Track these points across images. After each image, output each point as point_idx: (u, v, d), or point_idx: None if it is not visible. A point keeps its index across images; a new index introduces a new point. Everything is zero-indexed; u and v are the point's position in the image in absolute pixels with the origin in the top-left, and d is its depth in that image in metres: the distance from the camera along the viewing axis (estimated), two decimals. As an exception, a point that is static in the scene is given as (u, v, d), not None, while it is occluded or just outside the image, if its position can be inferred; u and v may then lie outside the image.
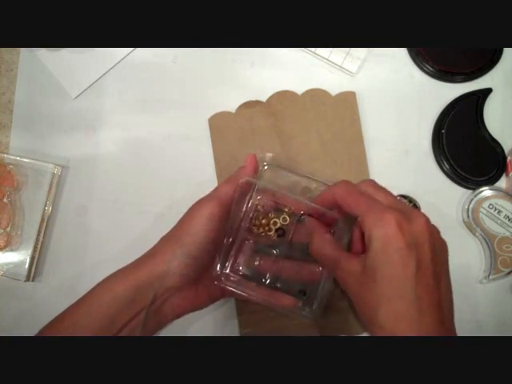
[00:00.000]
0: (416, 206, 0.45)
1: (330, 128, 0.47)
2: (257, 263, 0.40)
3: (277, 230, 0.40)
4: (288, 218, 0.40)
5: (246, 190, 0.39)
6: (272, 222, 0.40)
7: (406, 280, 0.31)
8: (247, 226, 0.40)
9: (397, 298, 0.31)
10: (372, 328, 0.32)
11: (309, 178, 0.41)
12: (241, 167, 0.40)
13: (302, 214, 0.40)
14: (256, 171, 0.40)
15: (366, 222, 0.32)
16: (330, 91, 0.47)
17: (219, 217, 0.37)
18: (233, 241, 0.39)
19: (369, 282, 0.32)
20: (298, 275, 0.40)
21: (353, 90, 0.47)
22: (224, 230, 0.38)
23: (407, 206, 0.35)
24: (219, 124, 0.48)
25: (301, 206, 0.40)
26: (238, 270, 0.40)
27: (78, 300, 0.37)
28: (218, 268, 0.38)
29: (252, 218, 0.40)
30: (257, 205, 0.40)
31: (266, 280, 0.40)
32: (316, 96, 0.47)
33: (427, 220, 0.33)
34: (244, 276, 0.40)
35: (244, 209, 0.39)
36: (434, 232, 0.34)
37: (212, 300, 0.41)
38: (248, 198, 0.39)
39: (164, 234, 0.39)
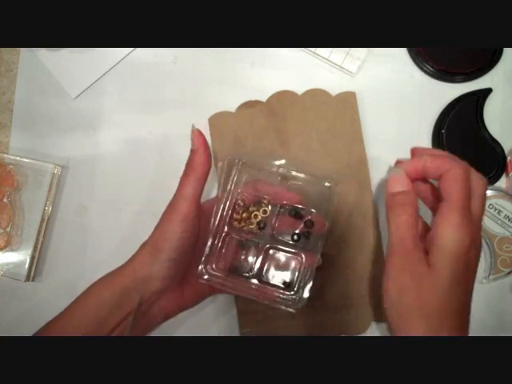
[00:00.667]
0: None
1: (330, 128, 0.47)
2: (243, 257, 0.40)
3: (258, 223, 0.40)
4: (268, 211, 0.40)
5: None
6: (253, 215, 0.40)
7: (465, 294, 0.33)
8: (228, 221, 0.40)
9: (453, 308, 0.31)
10: (409, 319, 0.31)
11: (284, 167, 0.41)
12: (193, 151, 0.39)
13: (281, 206, 0.40)
14: (207, 148, 0.39)
15: (450, 216, 0.32)
16: (330, 91, 0.47)
17: (192, 216, 0.37)
18: (214, 238, 0.39)
19: (433, 277, 0.31)
20: (283, 265, 0.40)
21: (353, 90, 0.47)
22: (200, 226, 0.38)
23: (480, 224, 0.35)
24: (219, 124, 0.47)
25: (283, 195, 0.40)
26: (222, 266, 0.40)
27: (66, 308, 0.37)
28: (200, 267, 0.38)
29: (232, 212, 0.40)
30: (237, 199, 0.40)
31: (252, 274, 0.40)
32: (316, 96, 0.47)
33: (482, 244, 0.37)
34: (229, 271, 0.40)
35: (223, 205, 0.40)
36: None
37: (201, 298, 0.41)
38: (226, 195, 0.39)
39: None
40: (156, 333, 0.45)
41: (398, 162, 0.37)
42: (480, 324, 0.45)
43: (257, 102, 0.48)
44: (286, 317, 0.44)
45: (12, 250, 0.47)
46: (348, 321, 0.45)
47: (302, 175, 0.40)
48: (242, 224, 0.40)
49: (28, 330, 0.47)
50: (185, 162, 0.48)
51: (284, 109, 0.47)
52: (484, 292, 0.46)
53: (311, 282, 0.38)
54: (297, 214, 0.40)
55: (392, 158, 0.47)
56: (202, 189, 0.38)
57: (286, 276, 0.40)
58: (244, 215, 0.40)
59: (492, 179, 0.46)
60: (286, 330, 0.45)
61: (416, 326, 0.31)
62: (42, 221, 0.47)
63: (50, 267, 0.48)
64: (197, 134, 0.38)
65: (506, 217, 0.45)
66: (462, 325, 0.32)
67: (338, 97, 0.47)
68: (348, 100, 0.47)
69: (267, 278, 0.40)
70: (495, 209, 0.45)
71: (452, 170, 0.33)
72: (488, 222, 0.45)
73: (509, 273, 0.45)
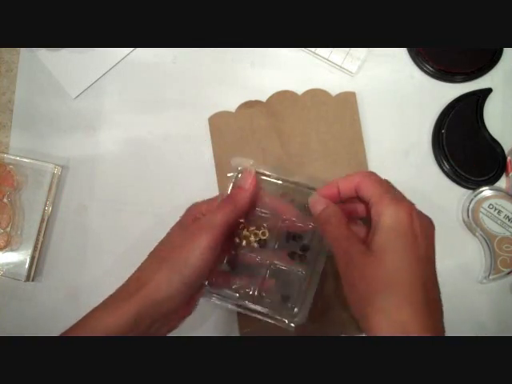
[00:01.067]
0: None
1: (330, 128, 0.47)
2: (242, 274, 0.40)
3: (259, 241, 0.40)
4: (267, 233, 0.40)
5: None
6: (253, 234, 0.40)
7: (417, 266, 0.31)
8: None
9: (404, 282, 0.30)
10: (369, 311, 0.31)
11: (286, 181, 0.41)
12: (239, 188, 0.38)
13: (280, 228, 0.40)
14: (254, 195, 0.39)
15: (382, 200, 0.33)
16: (330, 91, 0.47)
17: (217, 246, 0.36)
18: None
19: (375, 263, 0.31)
20: (283, 281, 0.40)
21: (353, 90, 0.47)
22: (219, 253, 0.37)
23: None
24: (219, 124, 0.48)
25: (282, 208, 0.40)
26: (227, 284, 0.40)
27: (70, 328, 0.35)
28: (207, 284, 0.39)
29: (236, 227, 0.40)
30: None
31: (252, 291, 0.40)
32: (316, 96, 0.47)
33: (433, 222, 0.34)
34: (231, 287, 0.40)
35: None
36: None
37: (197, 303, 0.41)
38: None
39: (163, 234, 0.39)
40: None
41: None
42: (480, 324, 0.45)
43: (257, 102, 0.48)
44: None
45: (12, 250, 0.47)
46: (348, 320, 0.45)
47: (305, 189, 0.40)
48: (244, 241, 0.40)
49: (28, 330, 0.47)
50: (185, 161, 0.48)
51: (284, 109, 0.47)
52: (484, 292, 0.46)
53: (311, 299, 0.38)
54: (294, 238, 0.40)
55: (392, 157, 0.47)
56: (234, 224, 0.38)
57: (285, 291, 0.40)
58: (245, 233, 0.40)
59: (492, 179, 0.46)
60: (286, 331, 0.45)
61: (372, 318, 0.30)
62: (42, 221, 0.47)
63: (50, 267, 0.48)
64: (250, 174, 0.39)
65: (506, 217, 0.45)
66: (424, 300, 0.30)
67: (338, 97, 0.47)
68: (348, 100, 0.47)
69: (267, 293, 0.40)
70: (495, 209, 0.45)
71: (362, 179, 0.35)
72: (488, 222, 0.45)
73: (509, 273, 0.45)
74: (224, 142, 0.47)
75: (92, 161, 0.49)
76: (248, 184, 0.38)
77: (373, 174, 0.36)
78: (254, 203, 0.39)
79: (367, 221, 0.35)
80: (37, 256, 0.47)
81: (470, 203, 0.45)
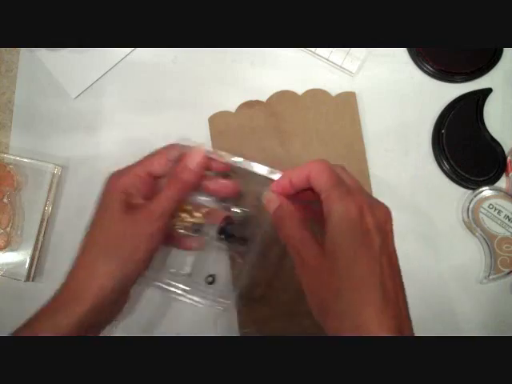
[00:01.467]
0: None
1: (330, 128, 0.47)
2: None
3: (193, 225, 0.40)
4: (203, 221, 0.40)
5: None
6: (189, 213, 0.40)
7: (370, 264, 0.29)
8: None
9: (358, 284, 0.29)
10: (328, 315, 0.30)
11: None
12: (186, 168, 0.37)
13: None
14: (200, 177, 0.38)
15: (331, 196, 0.31)
16: (330, 91, 0.47)
17: (164, 233, 0.35)
18: None
19: (328, 266, 0.30)
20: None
21: (353, 90, 0.47)
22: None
23: (373, 197, 0.34)
24: (219, 124, 0.47)
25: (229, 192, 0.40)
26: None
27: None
28: None
29: None
30: None
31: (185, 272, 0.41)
32: (316, 96, 0.47)
33: (390, 212, 0.32)
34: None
35: None
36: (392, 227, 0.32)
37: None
38: None
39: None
40: (156, 333, 0.46)
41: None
42: (480, 324, 0.45)
43: (257, 102, 0.48)
44: (285, 317, 0.44)
45: (12, 250, 0.47)
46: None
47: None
48: (183, 215, 0.40)
49: (28, 330, 0.47)
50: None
51: (284, 109, 0.47)
52: (484, 292, 0.46)
53: (245, 279, 0.38)
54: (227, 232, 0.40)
55: (392, 157, 0.47)
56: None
57: (212, 271, 0.40)
58: (180, 214, 0.40)
59: (492, 179, 0.46)
60: (285, 330, 0.45)
61: (332, 323, 0.30)
62: (42, 221, 0.47)
63: (50, 267, 0.48)
64: (199, 154, 0.37)
65: (506, 217, 0.45)
66: (382, 299, 0.28)
67: (338, 97, 0.47)
68: (348, 100, 0.47)
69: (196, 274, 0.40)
70: (495, 209, 0.45)
71: (312, 169, 0.33)
72: (488, 222, 0.45)
73: (509, 273, 0.45)
74: (224, 142, 0.47)
75: (92, 161, 0.48)
76: (195, 164, 0.37)
77: (323, 164, 0.33)
78: (196, 186, 0.38)
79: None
80: (37, 256, 0.47)
81: (470, 203, 0.45)
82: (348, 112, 0.47)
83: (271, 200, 0.35)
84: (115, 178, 0.38)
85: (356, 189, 0.33)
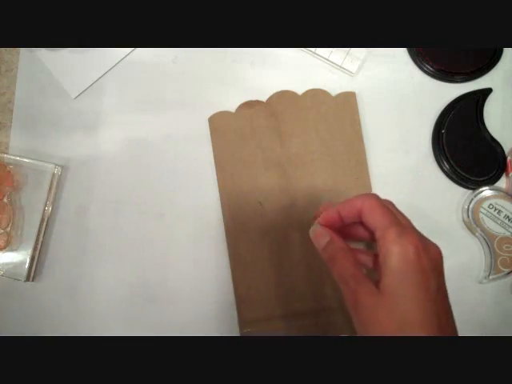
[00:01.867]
0: None
1: (330, 128, 0.47)
2: None
3: None
4: None
5: None
6: None
7: (429, 303, 0.30)
8: None
9: (417, 323, 0.29)
10: None
11: None
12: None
13: None
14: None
15: (387, 235, 0.31)
16: (330, 91, 0.47)
17: None
18: None
19: (385, 305, 0.30)
20: None
21: (353, 90, 0.47)
22: None
23: (423, 236, 0.33)
24: (219, 124, 0.47)
25: None
26: None
27: None
28: None
29: None
30: None
31: None
32: (316, 96, 0.47)
33: (441, 251, 0.32)
34: None
35: None
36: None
37: None
38: None
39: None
40: (156, 332, 0.46)
41: (314, 218, 0.36)
42: (480, 324, 0.45)
43: (257, 102, 0.48)
44: (286, 317, 0.44)
45: (12, 250, 0.47)
46: (350, 320, 0.45)
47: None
48: None
49: (28, 330, 0.47)
50: (185, 161, 0.48)
51: (284, 109, 0.47)
52: (484, 292, 0.46)
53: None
54: None
55: (392, 157, 0.47)
56: None
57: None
58: None
59: (492, 179, 0.46)
60: (285, 331, 0.45)
61: None
62: (42, 221, 0.47)
63: (49, 267, 0.48)
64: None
65: (506, 217, 0.45)
66: (438, 333, 0.29)
67: (338, 97, 0.47)
68: (348, 100, 0.47)
69: None
70: (495, 209, 0.45)
71: (364, 203, 0.33)
72: (488, 222, 0.45)
73: (509, 273, 0.45)
74: (224, 142, 0.47)
75: (92, 161, 0.49)
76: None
77: (374, 199, 0.33)
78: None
79: (372, 245, 0.34)
80: (37, 256, 0.47)
81: (470, 203, 0.45)
82: (348, 112, 0.47)
83: (321, 234, 0.35)
84: None
85: (409, 227, 0.32)
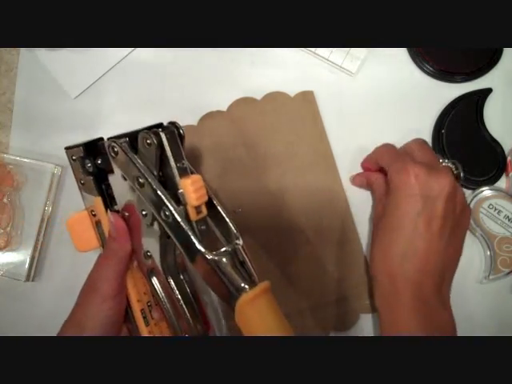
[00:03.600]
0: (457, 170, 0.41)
1: (293, 129, 0.47)
2: None
3: None
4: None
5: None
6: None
7: (407, 222, 0.35)
8: None
9: (393, 231, 0.36)
10: (373, 241, 0.40)
11: None
12: (112, 239, 0.36)
13: None
14: (127, 234, 0.36)
15: (389, 170, 0.38)
16: (330, 91, 0.47)
17: (114, 294, 0.36)
18: None
19: (382, 222, 0.38)
20: None
21: (352, 90, 0.47)
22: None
23: (441, 166, 0.39)
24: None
25: None
26: None
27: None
28: None
29: None
30: None
31: None
32: (275, 99, 0.47)
33: (452, 180, 0.36)
34: None
35: None
36: (456, 194, 0.37)
37: None
38: None
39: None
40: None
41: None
42: (480, 324, 0.45)
43: (217, 113, 0.47)
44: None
45: (12, 250, 0.47)
46: (338, 315, 0.45)
47: None
48: None
49: (28, 330, 0.47)
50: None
51: (244, 115, 0.47)
52: (484, 292, 0.46)
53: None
54: None
55: (392, 157, 0.47)
56: (126, 269, 0.36)
57: None
58: None
59: (492, 179, 0.46)
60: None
61: (400, 288, 0.36)
62: (42, 221, 0.47)
63: (50, 267, 0.48)
64: (115, 220, 0.35)
65: (506, 217, 0.45)
66: (404, 250, 0.36)
67: (297, 97, 0.47)
68: (307, 99, 0.47)
69: None
70: (495, 209, 0.45)
71: (376, 153, 0.44)
72: (488, 222, 0.45)
73: (509, 273, 0.45)
74: (193, 158, 0.46)
75: (92, 161, 0.48)
76: (116, 232, 0.36)
77: (382, 147, 0.43)
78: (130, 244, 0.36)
79: None
80: (37, 256, 0.47)
81: (470, 203, 0.45)
82: (309, 111, 0.47)
83: (352, 178, 0.47)
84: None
85: (422, 159, 0.38)
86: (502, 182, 0.46)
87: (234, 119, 0.47)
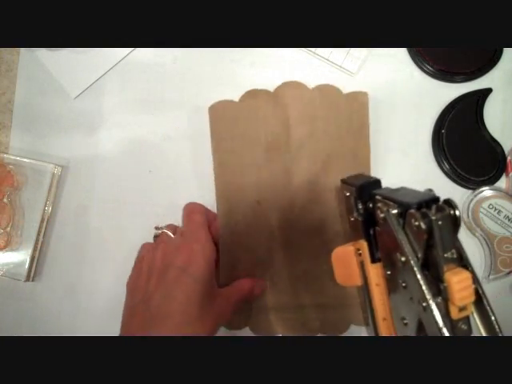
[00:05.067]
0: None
1: (338, 126, 0.45)
2: None
3: None
4: None
5: None
6: None
7: None
8: None
9: None
10: None
11: None
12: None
13: None
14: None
15: None
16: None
17: None
18: None
19: None
20: None
21: (352, 89, 0.47)
22: None
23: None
24: (220, 113, 0.46)
25: None
26: None
27: None
28: None
29: None
30: None
31: None
32: (326, 91, 0.45)
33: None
34: None
35: None
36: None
37: None
38: None
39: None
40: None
41: None
42: (480, 324, 0.45)
43: (262, 91, 0.46)
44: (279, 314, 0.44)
45: (12, 250, 0.47)
46: (333, 320, 0.44)
47: None
48: None
49: (28, 330, 0.47)
50: (184, 161, 0.48)
51: (291, 101, 0.45)
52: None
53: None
54: None
55: (392, 157, 0.47)
56: None
57: None
58: None
59: (492, 179, 0.46)
60: (286, 331, 0.45)
61: None
62: (42, 221, 0.47)
63: (50, 267, 0.48)
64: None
65: (506, 217, 0.45)
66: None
67: (349, 96, 0.46)
68: (359, 100, 0.45)
69: None
70: (495, 209, 0.45)
71: None
72: (488, 222, 0.45)
73: (509, 273, 0.45)
74: (224, 133, 0.45)
75: (92, 161, 0.49)
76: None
77: None
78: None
79: None
80: (37, 256, 0.47)
81: (470, 203, 0.45)
82: (358, 113, 0.45)
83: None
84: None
85: None
86: (502, 182, 0.46)
87: (280, 102, 0.45)
